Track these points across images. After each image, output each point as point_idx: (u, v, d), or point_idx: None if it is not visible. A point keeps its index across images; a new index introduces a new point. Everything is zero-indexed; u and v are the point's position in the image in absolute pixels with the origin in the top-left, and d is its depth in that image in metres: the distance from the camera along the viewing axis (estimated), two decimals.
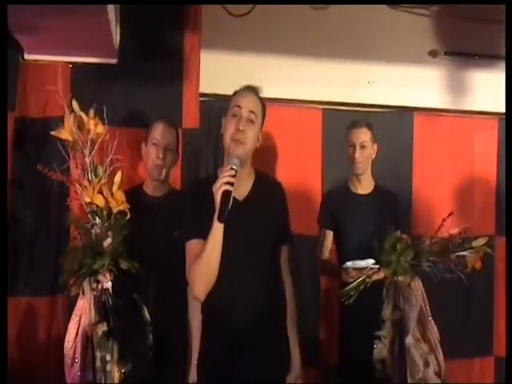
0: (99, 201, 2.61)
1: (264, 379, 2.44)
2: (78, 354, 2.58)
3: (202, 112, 3.76)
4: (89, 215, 2.68)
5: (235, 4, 3.84)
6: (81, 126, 2.64)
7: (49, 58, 3.51)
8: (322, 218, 3.49)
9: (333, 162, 4.00)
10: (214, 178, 2.37)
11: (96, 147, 2.67)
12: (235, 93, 2.57)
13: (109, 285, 2.58)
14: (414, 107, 4.36)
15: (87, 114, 2.70)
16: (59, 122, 2.83)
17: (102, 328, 2.57)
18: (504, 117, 4.37)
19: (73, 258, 2.58)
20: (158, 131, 3.01)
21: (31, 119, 3.51)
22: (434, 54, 4.38)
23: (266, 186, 2.62)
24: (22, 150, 3.45)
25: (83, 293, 2.59)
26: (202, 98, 3.79)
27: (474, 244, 2.98)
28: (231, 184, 2.28)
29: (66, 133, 2.67)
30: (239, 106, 2.47)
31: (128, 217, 2.68)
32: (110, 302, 2.57)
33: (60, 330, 3.40)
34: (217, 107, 3.91)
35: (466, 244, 2.99)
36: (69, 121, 2.65)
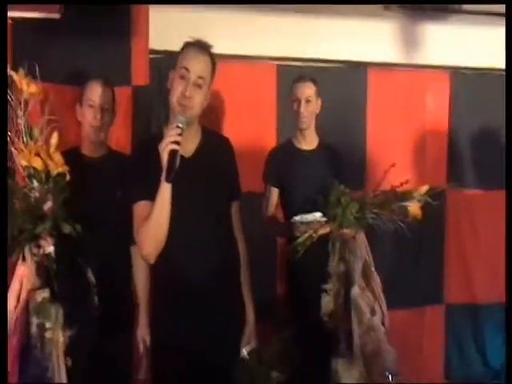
0: (37, 163, 2.50)
1: (218, 337, 2.43)
2: (18, 323, 2.48)
3: (152, 69, 3.71)
4: (26, 179, 2.57)
5: (234, 4, 3.81)
6: (11, 86, 2.55)
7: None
8: (266, 175, 3.51)
9: (288, 118, 4.00)
10: (161, 136, 2.33)
11: (30, 108, 2.58)
12: (184, 47, 2.49)
13: (51, 249, 2.51)
14: (368, 61, 4.37)
15: (27, 70, 2.60)
16: None
17: (43, 294, 2.49)
18: (456, 70, 4.48)
19: (12, 223, 2.46)
20: (93, 92, 2.95)
21: None
22: (387, 6, 4.37)
23: (214, 142, 2.58)
24: None
25: (23, 259, 2.51)
26: (151, 55, 3.74)
27: (415, 194, 3.05)
28: (178, 143, 2.24)
29: None
30: (187, 69, 2.40)
31: (67, 179, 2.60)
32: (54, 267, 2.51)
33: None
34: (167, 64, 3.90)
35: (407, 195, 3.06)
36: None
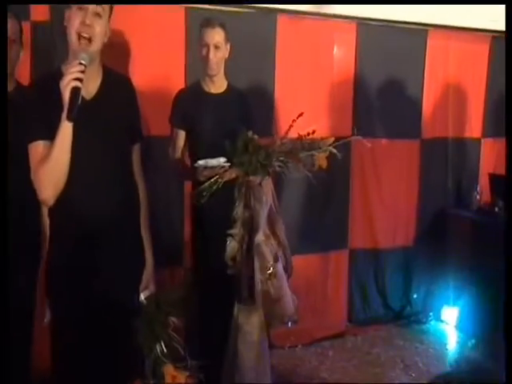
0: None
1: (116, 281, 2.41)
2: None
3: (52, 5, 3.53)
4: None
5: (234, 4, 3.65)
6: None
7: None
8: (173, 117, 3.44)
9: (197, 62, 3.92)
10: (60, 73, 2.25)
11: None
12: None
13: None
14: (278, 8, 4.33)
15: None
16: None
17: None
18: (362, 21, 4.53)
19: None
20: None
21: None
22: None
23: (115, 82, 2.51)
24: None
25: None
26: None
27: (321, 144, 3.08)
28: (80, 80, 2.17)
29: None
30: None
31: None
32: None
33: None
34: None
35: (314, 144, 3.09)
36: None
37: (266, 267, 3.16)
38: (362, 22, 4.56)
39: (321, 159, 3.06)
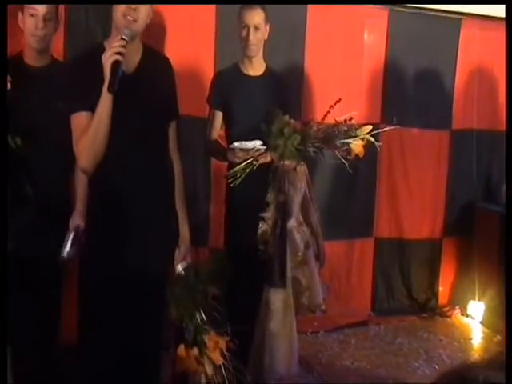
0: None
1: (153, 253, 2.50)
2: None
3: None
4: None
5: (233, 4, 3.58)
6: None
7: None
8: (211, 98, 3.41)
9: (227, 43, 3.89)
10: (101, 48, 2.37)
11: None
12: None
13: None
14: None
15: None
16: None
17: None
18: (394, 8, 4.45)
19: None
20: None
21: None
22: None
23: (154, 60, 2.60)
24: None
25: None
26: None
27: (358, 132, 3.04)
28: (121, 54, 2.28)
29: None
30: None
31: (8, 87, 2.52)
32: None
33: None
34: None
35: (350, 132, 3.05)
36: None
37: (296, 253, 3.14)
38: (395, 9, 4.48)
39: (358, 147, 3.04)
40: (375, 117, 4.35)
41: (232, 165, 3.14)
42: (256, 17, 3.26)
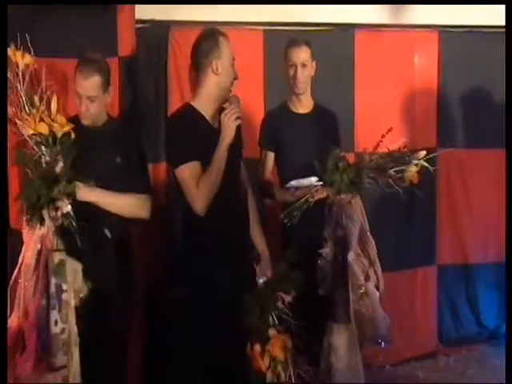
0: (43, 128, 2.57)
1: (235, 267, 2.81)
2: (40, 285, 2.59)
3: (139, 39, 3.66)
4: (34, 147, 2.64)
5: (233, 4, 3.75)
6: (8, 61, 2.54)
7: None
8: (262, 139, 3.46)
9: (275, 83, 3.95)
10: (191, 108, 2.82)
11: (27, 78, 2.56)
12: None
13: (68, 208, 2.58)
14: (355, 23, 4.31)
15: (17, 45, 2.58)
16: None
17: (60, 256, 2.59)
18: (444, 29, 4.42)
19: (31, 191, 2.57)
20: (79, 83, 2.87)
21: None
22: None
23: None
24: None
25: (41, 223, 2.57)
26: (138, 25, 3.68)
27: (412, 158, 3.03)
28: (240, 118, 2.79)
29: None
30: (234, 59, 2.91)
31: (73, 137, 2.66)
32: (74, 224, 2.59)
33: None
34: (155, 34, 3.85)
35: (404, 159, 3.04)
36: None
37: (357, 286, 3.12)
38: (444, 30, 4.44)
39: (412, 174, 3.02)
40: (430, 141, 4.30)
41: (286, 204, 3.17)
42: (302, 54, 3.31)
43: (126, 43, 3.57)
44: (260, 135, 3.48)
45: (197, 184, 2.71)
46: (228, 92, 2.86)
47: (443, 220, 4.57)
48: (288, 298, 2.99)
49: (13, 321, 2.60)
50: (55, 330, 2.57)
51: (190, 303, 2.82)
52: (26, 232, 2.67)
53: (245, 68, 3.93)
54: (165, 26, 3.86)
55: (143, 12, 3.70)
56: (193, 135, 2.73)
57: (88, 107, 2.88)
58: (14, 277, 2.65)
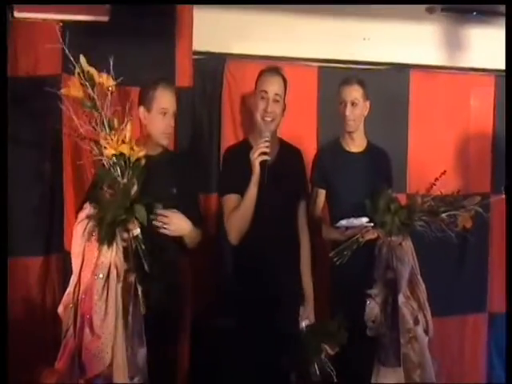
0: (125, 149, 2.64)
1: (278, 309, 2.92)
2: (110, 308, 2.58)
3: (195, 70, 3.72)
4: (111, 169, 2.69)
5: (238, 4, 3.80)
6: (90, 81, 2.60)
7: (39, 16, 3.42)
8: (313, 177, 3.45)
9: (328, 121, 3.95)
10: (247, 144, 3.05)
11: (109, 100, 2.64)
12: (260, 74, 3.12)
13: (138, 231, 2.64)
14: (411, 64, 4.31)
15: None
16: (52, 80, 2.78)
17: (131, 277, 2.64)
18: (500, 73, 4.37)
19: (112, 211, 2.60)
20: (166, 99, 2.97)
21: (22, 78, 3.42)
22: (430, 10, 4.31)
23: (289, 152, 3.20)
24: (13, 110, 3.39)
25: (109, 246, 2.59)
26: (195, 56, 3.74)
27: (466, 203, 2.98)
28: (267, 153, 2.83)
29: (75, 90, 2.63)
30: (266, 91, 3.03)
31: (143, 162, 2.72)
32: (143, 247, 2.64)
33: (55, 291, 3.45)
34: (211, 65, 3.91)
35: (457, 203, 2.99)
36: (77, 77, 2.61)
37: (406, 330, 3.07)
38: (502, 75, 4.39)
39: (465, 219, 2.98)
40: (484, 186, 4.24)
41: (335, 243, 3.15)
42: (353, 93, 3.32)
43: (184, 74, 3.64)
44: (311, 172, 3.47)
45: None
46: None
47: (495, 267, 4.45)
48: (332, 352, 3.03)
49: (68, 343, 2.59)
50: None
51: (234, 335, 2.97)
52: (88, 254, 2.66)
53: (299, 103, 4.01)
54: (221, 59, 3.92)
55: (200, 43, 3.75)
56: (242, 169, 2.89)
57: (171, 125, 3.03)
58: (68, 297, 2.65)
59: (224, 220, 3.02)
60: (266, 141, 2.85)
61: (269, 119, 3.01)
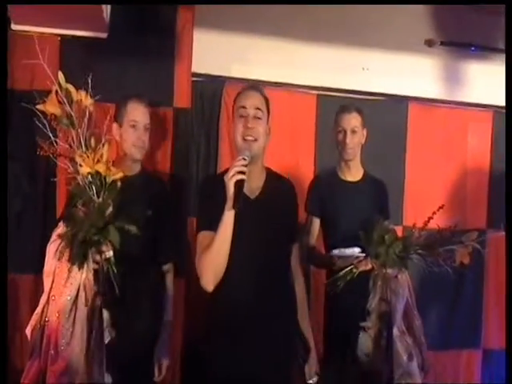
0: (101, 168, 2.54)
1: (267, 369, 2.47)
2: (76, 332, 2.49)
3: (194, 92, 3.72)
4: (86, 187, 2.59)
5: (237, 4, 3.78)
6: (68, 98, 2.54)
7: (37, 30, 3.41)
8: (308, 205, 3.39)
9: (326, 148, 3.93)
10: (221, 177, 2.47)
11: (86, 119, 2.58)
12: (238, 94, 2.63)
13: (111, 253, 2.54)
14: (409, 96, 4.31)
15: (76, 86, 2.60)
16: (46, 95, 2.73)
17: (99, 301, 2.54)
18: (499, 109, 4.37)
19: (85, 229, 2.51)
20: (137, 112, 2.96)
21: (18, 92, 3.40)
22: (430, 43, 4.32)
23: (277, 184, 2.66)
24: (9, 124, 3.34)
25: (79, 267, 2.51)
26: (194, 78, 3.73)
27: (464, 239, 2.92)
28: (243, 173, 2.32)
29: (52, 106, 2.56)
30: (244, 107, 2.53)
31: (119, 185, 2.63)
32: (115, 270, 2.54)
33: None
34: (209, 87, 3.89)
35: (455, 238, 2.94)
36: (54, 94, 2.55)
37: (399, 365, 2.98)
38: (499, 111, 4.40)
39: (463, 255, 2.91)
40: (480, 222, 4.22)
41: (331, 272, 3.09)
42: (352, 120, 3.28)
43: (182, 94, 3.63)
44: (306, 200, 3.40)
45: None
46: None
47: (490, 304, 4.43)
48: None
49: (33, 364, 2.50)
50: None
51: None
52: (59, 276, 2.57)
53: (297, 131, 3.98)
54: (220, 81, 3.91)
55: (199, 66, 3.74)
56: (221, 201, 2.35)
57: (144, 138, 2.96)
58: (37, 317, 2.57)
59: (195, 261, 2.46)
60: (244, 159, 2.34)
61: (250, 138, 2.48)
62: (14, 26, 3.39)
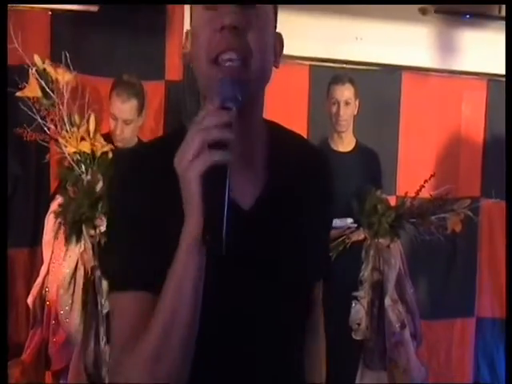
0: (85, 147, 2.56)
1: None
2: (75, 304, 2.55)
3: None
4: (74, 165, 2.64)
5: (236, 4, 3.73)
6: (47, 78, 2.53)
7: (27, 4, 3.38)
8: None
9: (319, 119, 3.91)
10: None
11: (68, 96, 2.57)
12: None
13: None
14: (403, 66, 4.28)
15: (54, 65, 2.58)
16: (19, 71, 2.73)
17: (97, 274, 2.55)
18: (493, 78, 4.35)
19: (73, 210, 2.55)
20: (115, 107, 2.98)
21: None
22: (423, 11, 4.27)
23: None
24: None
25: (76, 242, 2.55)
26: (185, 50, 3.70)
27: (455, 206, 2.95)
28: (225, 146, 1.50)
29: (31, 91, 2.56)
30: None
31: (110, 157, 2.66)
32: None
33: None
34: None
35: (447, 206, 2.95)
36: (32, 78, 2.54)
37: (391, 334, 3.02)
38: (494, 79, 4.37)
39: (455, 222, 2.93)
40: (474, 190, 4.21)
41: None
42: (346, 91, 3.27)
43: (174, 67, 3.62)
44: None
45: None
46: None
47: (484, 272, 4.44)
48: None
49: (35, 334, 2.56)
50: (103, 346, 2.52)
51: None
52: (57, 247, 2.64)
53: (289, 102, 3.96)
54: None
55: None
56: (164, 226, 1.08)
57: (123, 130, 2.97)
58: (37, 287, 2.61)
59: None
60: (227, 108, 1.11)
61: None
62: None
